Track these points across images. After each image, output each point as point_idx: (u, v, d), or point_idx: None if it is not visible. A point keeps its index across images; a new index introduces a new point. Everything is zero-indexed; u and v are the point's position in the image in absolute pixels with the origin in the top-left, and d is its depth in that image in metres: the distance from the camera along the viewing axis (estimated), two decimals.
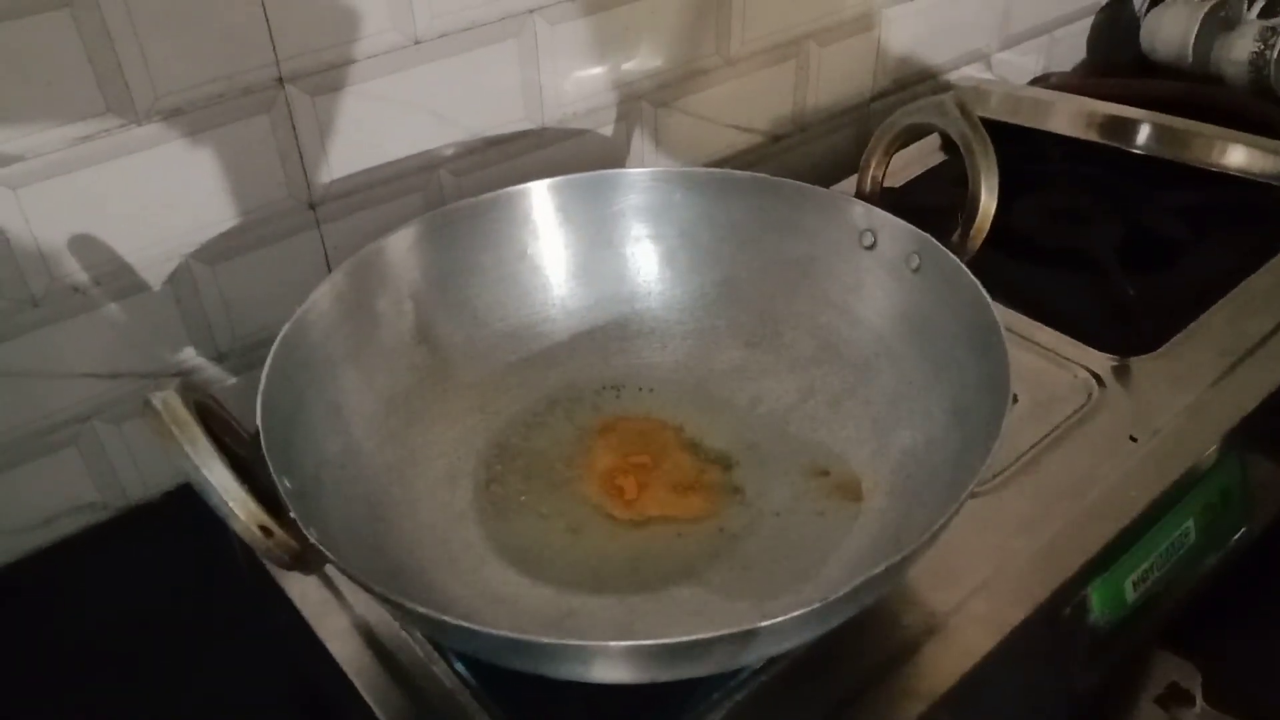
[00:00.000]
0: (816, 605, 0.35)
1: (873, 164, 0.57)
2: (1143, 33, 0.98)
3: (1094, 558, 0.49)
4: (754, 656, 0.42)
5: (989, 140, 0.52)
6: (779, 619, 0.34)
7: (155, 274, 0.56)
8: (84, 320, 0.55)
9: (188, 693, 0.55)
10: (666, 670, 0.38)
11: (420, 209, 0.64)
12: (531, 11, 0.63)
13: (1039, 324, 0.62)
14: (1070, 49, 1.03)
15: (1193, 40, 0.93)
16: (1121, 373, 0.59)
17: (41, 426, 0.56)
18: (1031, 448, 0.54)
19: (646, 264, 0.60)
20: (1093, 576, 0.50)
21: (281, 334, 0.47)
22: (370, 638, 0.47)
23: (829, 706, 0.43)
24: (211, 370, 0.60)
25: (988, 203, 0.52)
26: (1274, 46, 0.88)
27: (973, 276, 0.48)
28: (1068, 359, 0.60)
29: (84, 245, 0.53)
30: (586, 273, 0.59)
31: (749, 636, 0.35)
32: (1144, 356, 0.60)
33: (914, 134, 0.57)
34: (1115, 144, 0.75)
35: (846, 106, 0.85)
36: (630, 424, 0.55)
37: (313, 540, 0.38)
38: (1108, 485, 0.52)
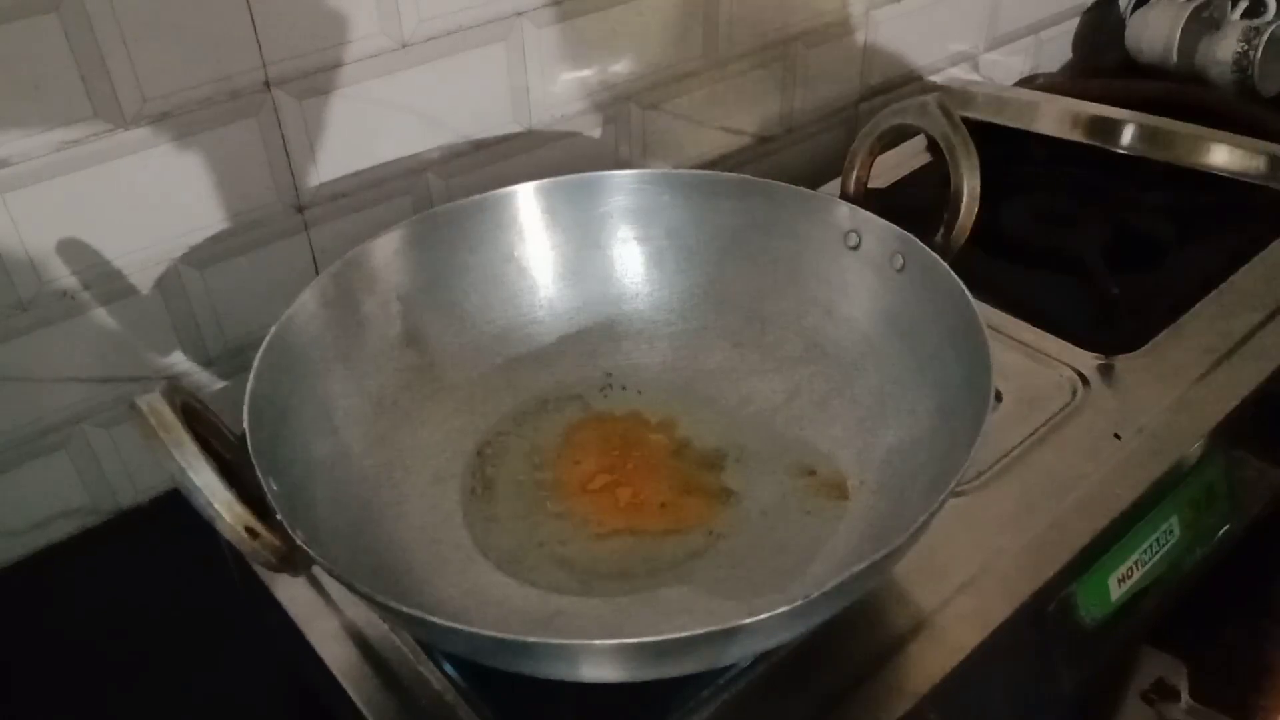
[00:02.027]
0: (800, 602, 0.35)
1: (857, 165, 0.58)
2: (1128, 33, 0.99)
3: (1079, 555, 0.49)
4: (740, 654, 0.42)
5: (971, 141, 0.52)
6: (763, 615, 0.35)
7: (144, 278, 0.56)
8: (73, 324, 0.55)
9: (178, 696, 0.55)
10: (653, 668, 0.39)
11: (408, 212, 0.65)
12: (519, 15, 0.63)
13: (1024, 323, 0.62)
14: (1057, 50, 1.03)
15: (1177, 41, 0.94)
16: (1106, 371, 0.59)
17: (31, 431, 0.56)
18: (1016, 446, 0.54)
19: (634, 265, 0.60)
20: (1078, 574, 0.50)
21: (269, 336, 0.47)
22: (359, 639, 0.47)
23: (816, 703, 0.44)
24: (201, 374, 0.61)
25: (970, 203, 0.52)
26: (1257, 47, 0.89)
27: (955, 276, 0.48)
28: (1052, 358, 0.60)
29: (72, 250, 0.54)
30: (574, 274, 0.60)
31: (734, 633, 0.35)
32: (1128, 355, 0.60)
33: (898, 135, 0.57)
34: (1100, 144, 0.76)
35: (834, 108, 0.86)
36: (618, 425, 0.56)
37: (299, 542, 0.38)
38: (1092, 483, 0.52)
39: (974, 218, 0.52)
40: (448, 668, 0.45)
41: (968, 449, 0.41)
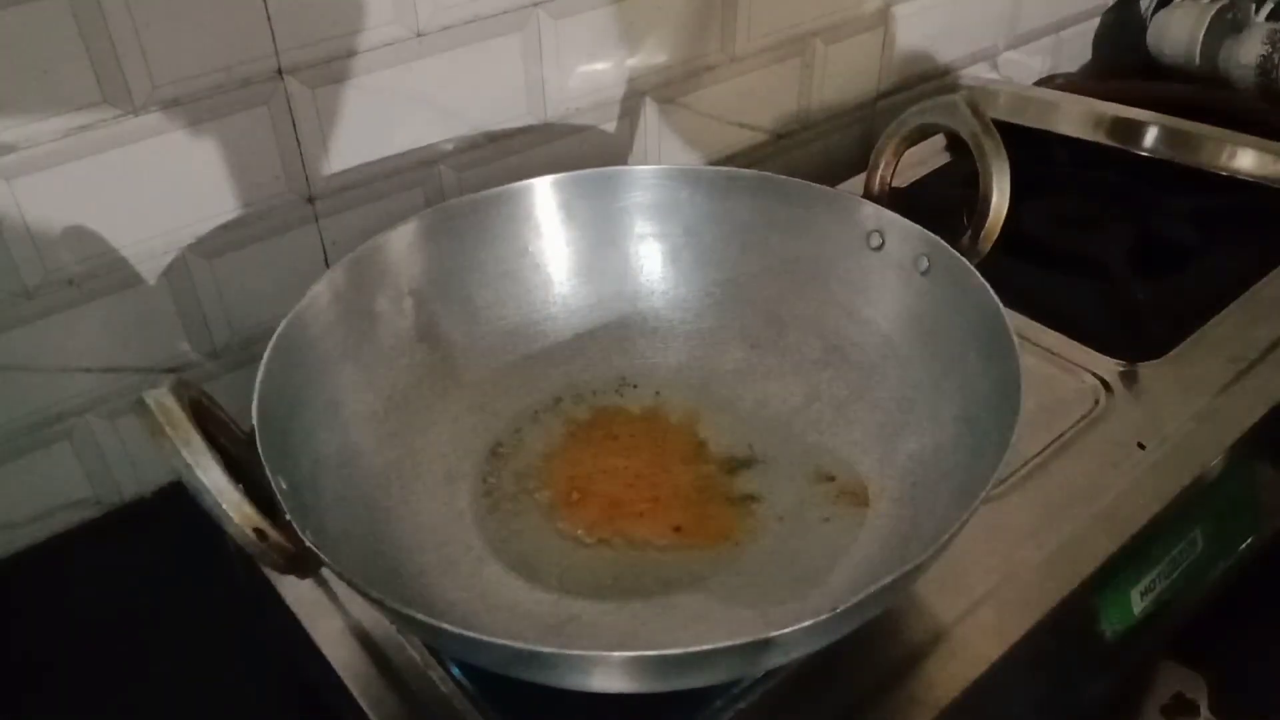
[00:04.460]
0: (826, 616, 0.34)
1: (882, 164, 0.57)
2: (1150, 34, 0.97)
3: (1101, 567, 0.48)
4: (761, 667, 0.41)
5: (1000, 142, 0.51)
6: (788, 629, 0.34)
7: (151, 267, 0.55)
8: (78, 314, 0.54)
9: (179, 693, 0.54)
10: (670, 680, 0.38)
11: (420, 204, 0.64)
12: (535, 5, 0.62)
13: (1045, 328, 0.61)
14: (1077, 50, 1.02)
15: (1200, 42, 0.92)
16: (1129, 378, 0.58)
17: (35, 421, 0.55)
18: (1038, 454, 0.53)
19: (650, 262, 0.59)
20: (1100, 586, 0.49)
21: (279, 330, 0.46)
22: (365, 640, 0.46)
23: (833, 715, 0.43)
24: (207, 366, 0.60)
25: (999, 205, 0.51)
26: None
27: (983, 280, 0.47)
28: (1075, 364, 0.59)
29: (79, 237, 0.53)
30: (589, 271, 0.59)
31: (756, 647, 0.34)
32: (1152, 362, 0.59)
33: (921, 134, 0.56)
34: (1124, 146, 0.75)
35: (852, 105, 0.84)
36: (634, 425, 0.55)
37: (308, 543, 0.37)
38: (1115, 493, 0.51)
39: (1002, 221, 0.51)
40: (455, 671, 0.44)
41: (995, 459, 0.40)
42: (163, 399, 0.35)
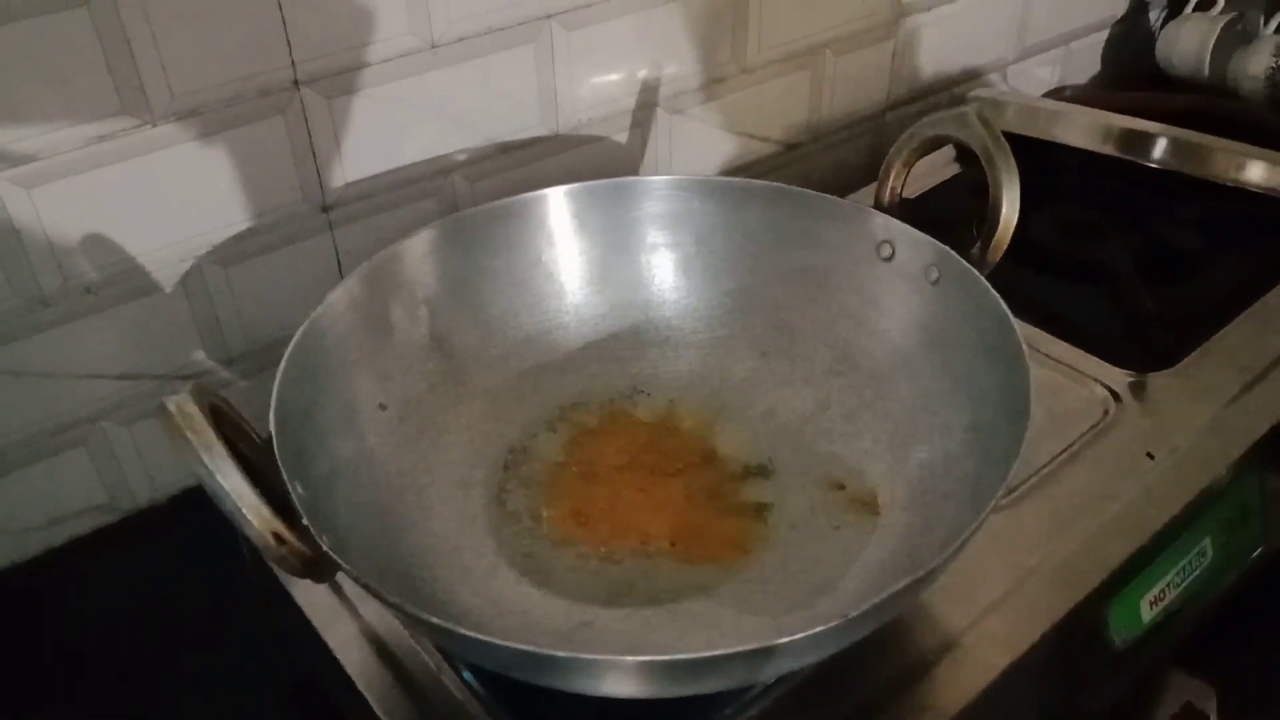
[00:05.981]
0: (835, 623, 0.34)
1: (892, 175, 0.57)
2: (1159, 46, 0.98)
3: (1110, 576, 0.48)
4: (771, 673, 0.42)
5: (1010, 153, 0.52)
6: (797, 636, 0.34)
7: (168, 275, 0.56)
8: (95, 321, 0.55)
9: (192, 697, 0.55)
10: (681, 685, 0.38)
11: (434, 214, 0.64)
12: (548, 17, 0.63)
13: (1054, 338, 0.62)
14: (1086, 61, 1.02)
15: (1209, 54, 0.93)
16: (1138, 388, 0.58)
17: (51, 427, 0.56)
18: (1047, 464, 0.53)
19: (662, 272, 0.60)
20: (1109, 595, 0.49)
21: (296, 337, 0.46)
22: (379, 645, 0.47)
23: None
24: (222, 373, 0.60)
25: (1009, 216, 0.51)
26: None
27: (993, 291, 0.48)
28: (1084, 374, 0.59)
29: (97, 245, 0.53)
30: (602, 280, 0.59)
31: (766, 653, 0.35)
32: (1161, 372, 0.59)
33: (932, 145, 0.56)
34: (1132, 158, 0.75)
35: (861, 116, 0.85)
36: (645, 433, 0.55)
37: (325, 548, 0.37)
38: (1124, 503, 0.52)
39: (1012, 232, 0.51)
40: (468, 675, 0.45)
41: (1005, 468, 0.40)
42: (183, 404, 0.36)
